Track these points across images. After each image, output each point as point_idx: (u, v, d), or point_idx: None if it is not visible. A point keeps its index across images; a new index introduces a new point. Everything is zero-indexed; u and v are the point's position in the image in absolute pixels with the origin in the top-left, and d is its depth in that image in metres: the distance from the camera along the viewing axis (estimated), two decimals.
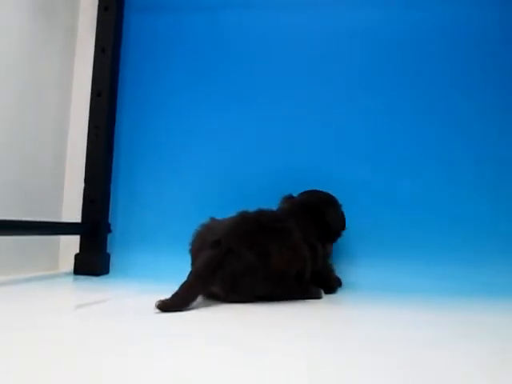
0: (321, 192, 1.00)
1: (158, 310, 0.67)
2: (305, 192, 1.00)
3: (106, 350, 0.47)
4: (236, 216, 0.85)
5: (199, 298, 0.74)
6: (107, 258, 1.17)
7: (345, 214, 1.00)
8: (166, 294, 0.69)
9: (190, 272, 0.76)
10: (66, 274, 1.12)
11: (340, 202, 1.00)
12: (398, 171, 1.13)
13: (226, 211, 0.87)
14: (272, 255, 0.78)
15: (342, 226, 0.99)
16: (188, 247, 0.86)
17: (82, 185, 1.16)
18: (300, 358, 0.46)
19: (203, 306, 0.73)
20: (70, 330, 0.56)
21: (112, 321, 0.62)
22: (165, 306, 0.68)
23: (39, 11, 1.11)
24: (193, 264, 0.83)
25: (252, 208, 0.86)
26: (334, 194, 1.01)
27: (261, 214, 0.85)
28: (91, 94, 1.18)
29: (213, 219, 0.88)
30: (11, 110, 1.04)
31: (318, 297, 0.85)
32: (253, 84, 1.20)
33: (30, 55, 1.09)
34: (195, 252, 0.83)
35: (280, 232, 0.82)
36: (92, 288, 0.94)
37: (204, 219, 0.88)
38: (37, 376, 0.38)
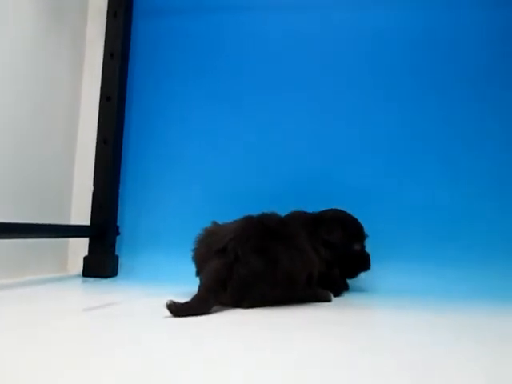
0: (335, 209, 0.98)
1: (167, 312, 0.65)
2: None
3: (112, 352, 0.47)
4: (240, 221, 0.83)
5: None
6: (115, 260, 1.18)
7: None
8: (173, 297, 0.68)
9: (201, 285, 0.74)
10: (75, 277, 1.13)
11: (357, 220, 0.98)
12: (410, 177, 1.14)
13: (232, 214, 0.87)
14: (280, 260, 0.77)
15: (344, 246, 0.95)
16: (191, 253, 0.84)
17: (91, 188, 1.17)
18: (311, 359, 0.47)
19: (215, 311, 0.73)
20: (78, 332, 0.56)
21: (120, 323, 0.63)
22: (176, 311, 0.65)
23: (48, 16, 1.13)
24: (198, 272, 0.82)
25: (257, 212, 0.86)
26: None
27: (266, 218, 0.84)
28: (100, 98, 1.19)
29: (215, 224, 0.87)
30: (20, 113, 1.05)
31: (328, 299, 0.85)
32: (263, 88, 1.21)
33: (39, 59, 1.11)
34: (200, 259, 0.82)
35: (287, 235, 0.81)
36: (101, 290, 0.95)
37: (210, 222, 0.87)
38: (42, 376, 0.39)
